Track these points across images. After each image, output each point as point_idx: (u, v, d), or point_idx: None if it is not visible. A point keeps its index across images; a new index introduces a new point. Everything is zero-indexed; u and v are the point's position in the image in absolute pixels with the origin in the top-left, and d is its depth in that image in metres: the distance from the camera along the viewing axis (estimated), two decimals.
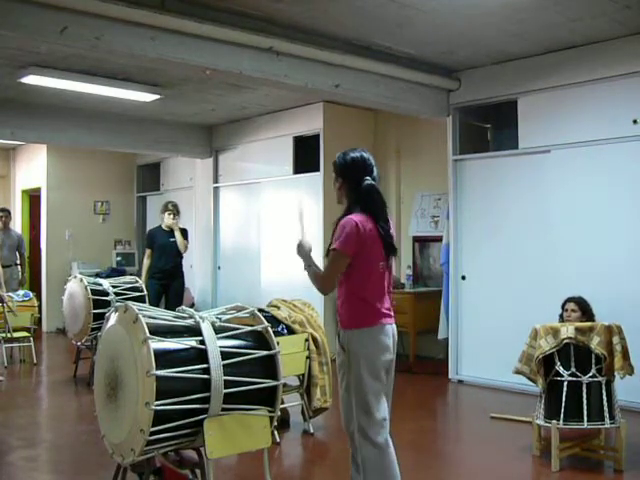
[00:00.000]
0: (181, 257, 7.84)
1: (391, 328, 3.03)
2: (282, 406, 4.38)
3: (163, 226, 7.81)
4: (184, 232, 7.88)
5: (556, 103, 6.06)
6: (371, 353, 2.95)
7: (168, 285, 7.72)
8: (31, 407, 5.99)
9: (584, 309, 4.89)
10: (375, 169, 3.12)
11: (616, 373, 4.10)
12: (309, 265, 3.11)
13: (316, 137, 8.14)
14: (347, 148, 3.20)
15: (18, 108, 7.90)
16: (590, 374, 4.08)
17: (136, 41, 4.71)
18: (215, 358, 2.93)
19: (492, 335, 6.42)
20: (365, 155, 3.12)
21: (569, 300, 4.97)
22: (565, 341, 4.10)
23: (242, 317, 3.30)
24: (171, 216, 7.72)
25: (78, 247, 10.56)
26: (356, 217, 2.97)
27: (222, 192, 9.72)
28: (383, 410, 2.97)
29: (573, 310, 4.89)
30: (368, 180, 3.05)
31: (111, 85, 6.95)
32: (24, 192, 11.39)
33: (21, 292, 7.93)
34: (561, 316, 5.00)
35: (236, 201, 9.51)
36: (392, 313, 3.09)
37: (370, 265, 2.97)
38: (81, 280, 6.56)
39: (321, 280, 3.03)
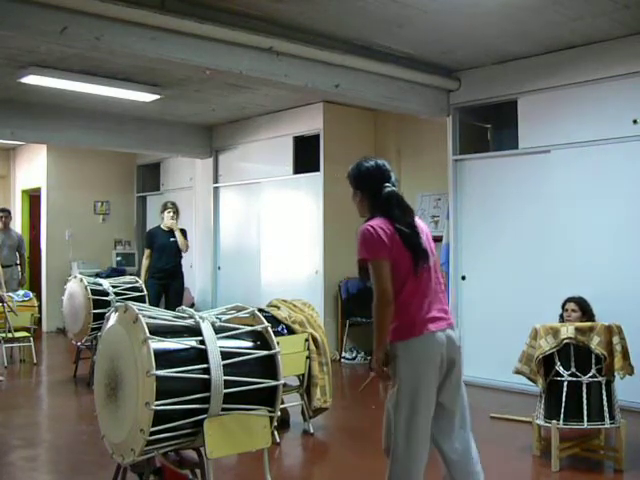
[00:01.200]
0: (181, 257, 7.85)
1: (442, 335, 2.84)
2: (282, 406, 4.38)
3: (162, 226, 7.81)
4: (183, 232, 7.89)
5: (556, 103, 6.06)
6: (414, 369, 2.80)
7: (168, 285, 7.72)
8: (31, 407, 5.99)
9: (584, 309, 4.90)
10: (393, 174, 3.00)
11: (616, 373, 4.10)
12: (377, 347, 2.85)
13: (316, 137, 8.14)
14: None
15: (18, 108, 7.90)
16: (590, 374, 4.08)
17: (136, 41, 4.71)
18: (215, 358, 2.93)
19: (492, 335, 6.42)
20: (379, 162, 3.01)
21: (569, 300, 4.97)
22: (565, 341, 4.10)
23: (242, 317, 3.30)
24: (170, 214, 7.73)
25: (78, 247, 10.56)
26: (370, 222, 2.85)
27: (222, 192, 9.72)
28: (424, 430, 2.83)
29: (573, 310, 4.90)
30: (388, 187, 2.94)
31: (111, 85, 6.94)
32: (24, 192, 11.39)
33: (21, 292, 7.93)
34: (561, 316, 5.00)
35: (236, 201, 9.50)
36: (445, 315, 2.90)
37: (401, 271, 2.81)
38: (81, 280, 6.55)
39: (376, 300, 2.77)
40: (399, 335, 2.83)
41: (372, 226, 2.82)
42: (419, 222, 3.01)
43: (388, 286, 2.76)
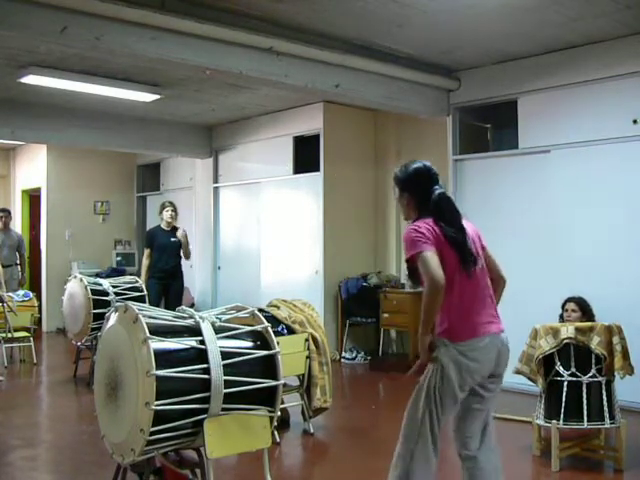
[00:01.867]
0: (180, 257, 7.86)
1: (493, 339, 2.81)
2: (282, 406, 4.38)
3: (163, 225, 7.83)
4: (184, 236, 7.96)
5: (556, 103, 6.06)
6: (450, 370, 2.75)
7: (168, 285, 7.72)
8: (31, 407, 5.99)
9: (584, 309, 4.90)
10: (439, 177, 2.96)
11: (616, 373, 4.10)
12: (423, 331, 2.79)
13: (316, 137, 8.14)
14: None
15: (18, 108, 7.90)
16: (590, 374, 4.08)
17: (136, 41, 4.72)
18: (215, 358, 2.93)
19: None
20: (427, 164, 2.98)
21: (569, 300, 4.97)
22: (565, 341, 4.10)
23: (242, 317, 3.30)
24: (169, 212, 7.75)
25: (78, 247, 10.56)
26: (415, 223, 2.81)
27: (222, 192, 9.72)
28: (438, 428, 2.80)
29: (573, 310, 4.90)
30: (438, 189, 2.89)
31: (111, 85, 6.95)
32: (24, 192, 11.39)
33: (21, 292, 7.92)
34: (561, 316, 5.00)
35: (236, 201, 9.50)
36: (494, 320, 2.87)
37: (448, 271, 2.73)
38: (81, 280, 6.55)
39: (427, 287, 2.67)
40: (447, 335, 2.79)
41: (417, 225, 2.78)
42: (467, 225, 2.95)
43: (438, 272, 2.65)
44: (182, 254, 7.76)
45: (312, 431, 4.89)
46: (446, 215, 2.85)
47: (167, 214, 7.76)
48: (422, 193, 2.90)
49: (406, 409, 2.90)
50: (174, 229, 7.79)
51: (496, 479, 2.94)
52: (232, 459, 4.22)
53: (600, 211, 5.76)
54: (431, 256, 2.69)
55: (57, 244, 10.46)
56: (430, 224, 2.79)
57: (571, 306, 4.95)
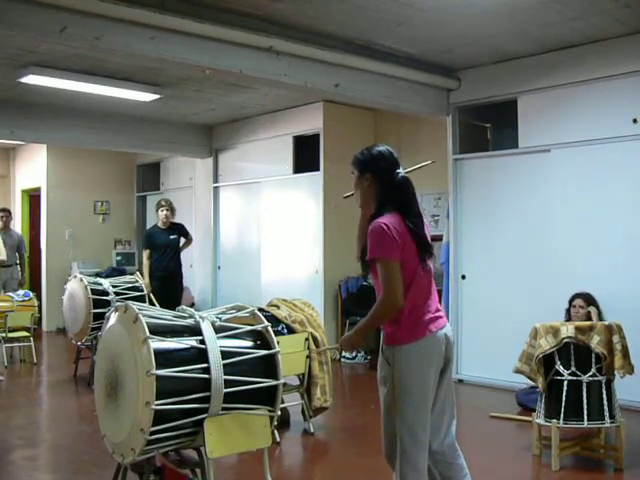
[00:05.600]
0: (180, 255, 7.95)
1: (442, 333, 2.76)
2: (282, 405, 4.37)
3: (160, 224, 7.89)
4: (182, 229, 8.03)
5: (556, 102, 6.06)
6: (419, 371, 2.70)
7: (168, 284, 7.77)
8: (31, 407, 5.98)
9: (591, 305, 4.96)
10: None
11: (616, 372, 4.10)
12: (360, 332, 2.79)
13: (316, 137, 8.15)
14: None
15: (18, 108, 7.90)
16: (590, 373, 4.07)
17: (136, 41, 4.72)
18: (215, 357, 2.93)
19: (492, 334, 6.42)
20: (390, 148, 2.89)
21: (577, 296, 5.04)
22: (565, 340, 4.09)
23: (242, 317, 3.30)
24: (163, 212, 7.85)
25: (78, 247, 10.57)
26: (383, 219, 2.69)
27: (222, 192, 9.72)
28: (426, 430, 2.73)
29: (581, 306, 4.97)
30: (401, 172, 2.80)
31: (111, 85, 6.95)
32: (24, 192, 11.39)
33: (21, 292, 7.92)
34: (568, 311, 5.03)
35: (236, 201, 9.51)
36: (441, 313, 2.83)
37: (410, 270, 2.71)
38: (81, 280, 6.55)
39: (383, 302, 2.67)
40: (405, 338, 2.72)
41: (386, 224, 2.68)
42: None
43: (400, 292, 2.65)
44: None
45: (312, 431, 4.89)
46: (409, 201, 2.80)
47: (162, 214, 7.85)
48: (385, 175, 2.81)
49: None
50: (172, 226, 7.90)
51: (465, 476, 2.89)
52: (232, 459, 4.22)
53: (600, 210, 5.76)
54: (396, 268, 2.66)
55: (57, 244, 10.46)
56: (397, 221, 2.71)
57: (579, 302, 4.97)
